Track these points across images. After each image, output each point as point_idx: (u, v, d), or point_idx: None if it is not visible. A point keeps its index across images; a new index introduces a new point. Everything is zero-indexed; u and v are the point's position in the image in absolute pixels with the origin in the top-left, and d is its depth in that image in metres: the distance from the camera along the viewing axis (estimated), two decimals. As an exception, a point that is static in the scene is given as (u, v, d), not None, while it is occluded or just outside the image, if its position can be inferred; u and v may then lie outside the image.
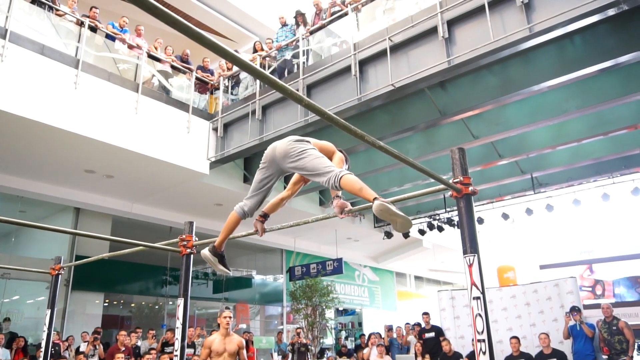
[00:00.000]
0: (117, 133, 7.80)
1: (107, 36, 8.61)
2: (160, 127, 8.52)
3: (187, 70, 9.70)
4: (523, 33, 5.89)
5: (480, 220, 12.81)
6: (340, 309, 17.07)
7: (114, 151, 7.95)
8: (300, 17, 9.42)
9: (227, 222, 2.97)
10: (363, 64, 7.58)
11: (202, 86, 9.97)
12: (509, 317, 9.23)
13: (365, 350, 9.71)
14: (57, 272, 4.54)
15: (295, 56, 8.92)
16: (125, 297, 12.22)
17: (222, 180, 9.71)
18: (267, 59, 9.45)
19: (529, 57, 6.81)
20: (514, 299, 9.32)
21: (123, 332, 8.01)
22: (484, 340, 2.15)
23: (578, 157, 9.67)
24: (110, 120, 7.78)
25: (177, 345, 3.19)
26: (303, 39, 8.84)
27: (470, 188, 2.31)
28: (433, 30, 6.78)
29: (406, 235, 13.31)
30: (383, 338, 10.38)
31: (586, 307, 12.19)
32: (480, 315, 2.17)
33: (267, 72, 1.57)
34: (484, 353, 2.14)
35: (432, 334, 9.20)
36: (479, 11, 6.34)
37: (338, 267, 13.29)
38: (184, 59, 9.88)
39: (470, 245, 2.24)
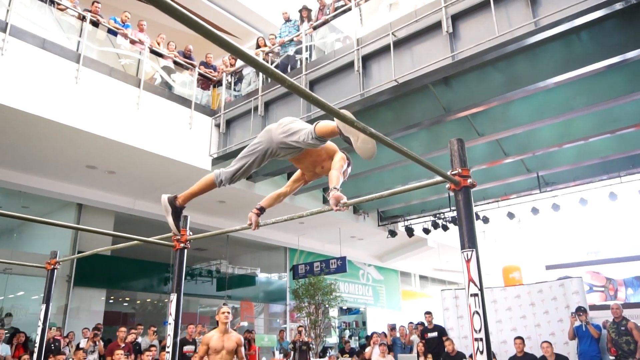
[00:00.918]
0: (118, 128, 7.76)
1: (109, 31, 8.57)
2: (162, 123, 8.47)
3: (189, 66, 9.64)
4: (529, 27, 5.79)
5: (486, 220, 12.70)
6: (344, 307, 16.98)
7: (115, 147, 7.91)
8: (305, 12, 9.34)
9: (200, 181, 2.94)
10: (366, 59, 7.49)
11: (205, 82, 9.91)
12: (514, 317, 9.11)
13: (367, 350, 9.63)
14: (52, 266, 4.48)
15: (299, 52, 8.84)
16: (127, 293, 12.19)
17: (224, 177, 9.63)
18: (270, 55, 9.37)
19: (535, 53, 6.70)
20: (518, 298, 9.19)
21: (123, 329, 7.97)
22: (481, 339, 2.06)
23: (585, 156, 9.53)
24: (112, 116, 7.73)
25: (170, 341, 3.12)
26: (306, 34, 8.76)
27: (469, 180, 2.22)
28: (437, 25, 6.68)
29: (410, 233, 13.20)
30: (386, 337, 10.29)
31: (597, 307, 12.05)
32: (478, 313, 2.08)
33: (270, 66, 1.50)
34: (482, 352, 2.05)
35: (434, 334, 9.10)
36: (483, 5, 6.24)
37: (342, 265, 13.21)
38: (186, 55, 9.83)
39: (469, 239, 2.15)
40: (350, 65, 7.63)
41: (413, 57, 6.97)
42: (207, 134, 9.23)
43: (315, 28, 8.81)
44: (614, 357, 7.55)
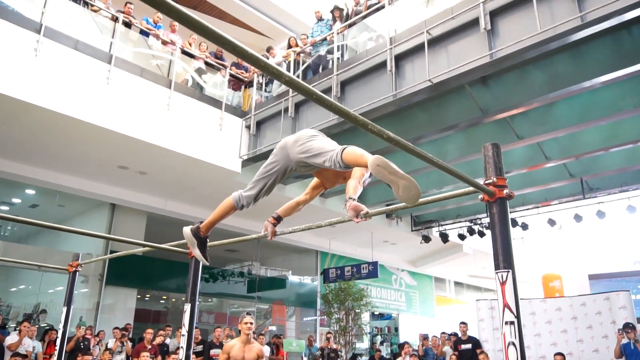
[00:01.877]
0: (149, 129, 7.75)
1: (141, 32, 8.59)
2: (192, 124, 8.42)
3: (221, 66, 9.58)
4: (574, 23, 5.39)
5: (525, 226, 12.17)
6: (376, 313, 16.66)
7: (145, 147, 7.90)
8: (337, 12, 9.13)
9: (220, 207, 2.76)
10: (399, 59, 7.22)
11: (236, 83, 9.84)
12: (554, 331, 8.62)
13: (399, 359, 9.32)
14: (74, 269, 4.43)
15: (330, 52, 8.64)
16: (159, 293, 12.27)
17: (254, 179, 9.52)
18: (302, 55, 9.21)
19: (580, 50, 6.27)
20: (559, 311, 8.70)
21: (150, 330, 7.95)
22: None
23: (633, 161, 8.96)
24: (142, 116, 7.73)
25: (182, 354, 2.96)
26: (338, 33, 8.55)
27: (505, 191, 1.95)
28: (474, 22, 6.34)
29: (445, 239, 12.79)
30: (417, 348, 9.94)
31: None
32: (514, 345, 1.81)
33: (288, 73, 1.35)
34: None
35: (468, 346, 8.70)
36: (524, 0, 5.87)
37: (373, 270, 12.94)
38: (218, 56, 9.78)
39: (504, 259, 1.88)
40: (382, 65, 7.38)
41: (449, 56, 6.65)
42: (237, 136, 9.13)
43: (350, 26, 8.59)
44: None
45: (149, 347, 7.53)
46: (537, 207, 11.82)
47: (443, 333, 10.26)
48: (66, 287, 4.41)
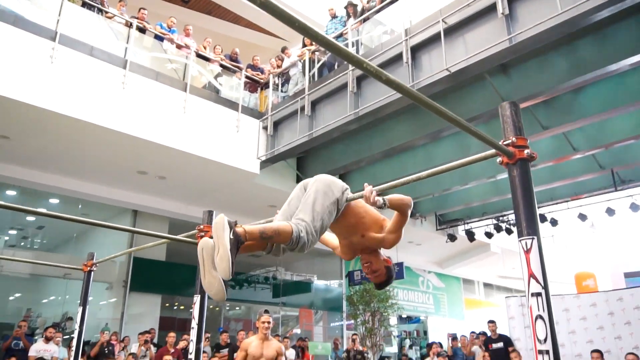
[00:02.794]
0: (166, 133, 7.74)
1: (156, 37, 8.63)
2: (209, 127, 8.40)
3: (236, 69, 9.56)
4: (597, 1, 5.15)
5: (554, 222, 11.78)
6: (404, 316, 16.34)
7: (163, 151, 7.90)
8: (351, 8, 9.03)
9: (276, 224, 2.14)
10: (415, 50, 7.06)
11: (252, 85, 9.80)
12: (589, 328, 8.25)
13: (427, 360, 9.07)
14: (89, 268, 4.38)
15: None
16: (183, 299, 12.26)
17: (274, 180, 9.44)
18: (317, 53, 9.12)
19: (605, 32, 6.01)
20: (594, 307, 8.32)
21: (172, 334, 7.89)
22: (547, 352, 1.61)
23: (668, 149, 8.55)
24: (158, 120, 7.73)
25: (192, 347, 2.84)
26: (352, 29, 8.43)
27: (526, 151, 1.77)
28: (492, 8, 6.15)
29: (471, 237, 12.46)
30: (446, 348, 9.66)
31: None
32: (541, 318, 1.63)
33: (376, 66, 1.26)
34: (549, 367, 1.60)
35: (500, 344, 8.38)
36: (544, -20, 5.65)
37: (399, 272, 12.66)
38: (233, 58, 9.77)
39: (528, 225, 1.71)
40: (398, 57, 7.23)
41: (466, 44, 6.46)
42: (255, 137, 9.07)
43: (364, 20, 8.46)
44: None
45: (172, 350, 7.46)
46: (567, 202, 11.43)
47: (472, 332, 9.95)
48: (82, 286, 4.35)
